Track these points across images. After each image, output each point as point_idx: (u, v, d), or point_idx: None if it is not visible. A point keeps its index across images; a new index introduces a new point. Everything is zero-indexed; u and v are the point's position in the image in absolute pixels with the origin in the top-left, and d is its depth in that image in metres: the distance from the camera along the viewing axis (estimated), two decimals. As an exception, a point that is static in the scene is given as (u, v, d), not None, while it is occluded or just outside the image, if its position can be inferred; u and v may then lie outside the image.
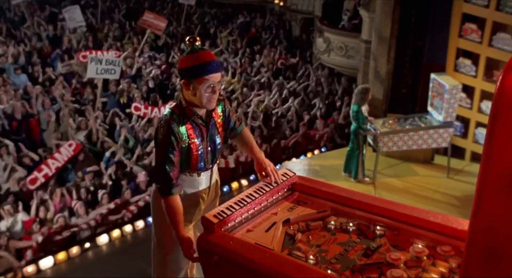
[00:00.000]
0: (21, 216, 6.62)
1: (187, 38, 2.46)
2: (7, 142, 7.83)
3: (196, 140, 2.50)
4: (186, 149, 2.48)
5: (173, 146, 2.42)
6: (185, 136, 2.46)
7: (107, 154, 7.90)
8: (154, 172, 2.51)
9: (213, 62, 2.39)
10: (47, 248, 6.25)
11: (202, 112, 2.52)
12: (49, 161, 7.43)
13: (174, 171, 2.45)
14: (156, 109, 8.93)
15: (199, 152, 2.53)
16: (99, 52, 10.62)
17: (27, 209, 6.78)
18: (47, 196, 6.89)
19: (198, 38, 2.44)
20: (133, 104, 9.02)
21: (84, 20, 13.06)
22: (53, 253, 6.24)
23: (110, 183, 7.30)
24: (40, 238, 6.18)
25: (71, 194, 7.02)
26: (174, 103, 2.58)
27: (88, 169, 7.50)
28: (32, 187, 7.12)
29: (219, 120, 2.62)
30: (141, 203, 6.96)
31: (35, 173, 7.26)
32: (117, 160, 7.80)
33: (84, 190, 7.10)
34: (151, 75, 11.01)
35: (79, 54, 10.83)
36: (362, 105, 6.36)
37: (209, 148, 2.58)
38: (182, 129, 2.45)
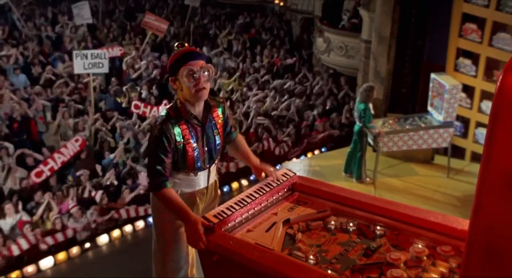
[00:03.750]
0: (21, 216, 6.57)
1: (176, 44, 2.54)
2: (6, 144, 7.82)
3: (191, 140, 2.51)
4: (181, 149, 2.50)
5: (165, 147, 2.44)
6: (180, 137, 2.48)
7: (111, 156, 7.87)
8: (147, 169, 2.53)
9: (192, 51, 2.47)
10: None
11: (197, 111, 2.53)
12: (55, 155, 7.45)
13: (165, 169, 2.47)
14: (155, 108, 8.93)
15: (195, 153, 2.54)
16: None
17: (28, 209, 6.76)
18: (48, 197, 6.85)
19: (186, 44, 2.53)
20: (133, 103, 9.01)
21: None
22: (53, 254, 6.23)
23: (109, 183, 7.26)
24: None
25: (69, 195, 6.98)
26: (170, 104, 2.61)
27: (78, 173, 7.43)
28: (37, 180, 7.14)
29: (219, 121, 2.64)
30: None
31: (41, 166, 7.27)
32: (117, 161, 7.78)
33: (80, 191, 7.05)
34: (151, 76, 10.98)
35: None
36: (369, 103, 6.37)
37: (206, 148, 2.59)
38: (177, 130, 2.47)
